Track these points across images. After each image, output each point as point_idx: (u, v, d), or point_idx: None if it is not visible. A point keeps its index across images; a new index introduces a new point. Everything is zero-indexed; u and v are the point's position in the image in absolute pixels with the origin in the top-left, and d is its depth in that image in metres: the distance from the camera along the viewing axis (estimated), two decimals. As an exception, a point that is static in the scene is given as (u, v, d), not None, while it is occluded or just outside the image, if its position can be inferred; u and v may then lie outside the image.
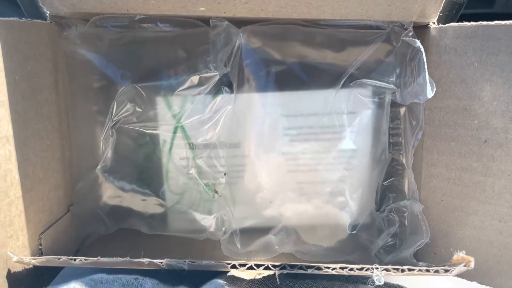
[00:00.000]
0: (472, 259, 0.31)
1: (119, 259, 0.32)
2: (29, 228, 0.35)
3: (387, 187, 0.43)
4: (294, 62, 0.41)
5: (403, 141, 0.42)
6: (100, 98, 0.42)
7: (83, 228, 0.43)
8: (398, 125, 0.42)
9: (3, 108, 0.31)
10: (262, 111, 0.42)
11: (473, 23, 0.35)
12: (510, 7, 0.70)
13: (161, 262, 0.32)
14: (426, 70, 0.36)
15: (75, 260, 0.32)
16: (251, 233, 0.43)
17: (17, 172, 0.33)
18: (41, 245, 0.36)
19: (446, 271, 0.31)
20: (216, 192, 0.43)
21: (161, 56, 0.41)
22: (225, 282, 0.35)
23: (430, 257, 0.40)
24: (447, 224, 0.39)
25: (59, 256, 0.32)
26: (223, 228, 0.42)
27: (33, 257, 0.32)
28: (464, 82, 0.36)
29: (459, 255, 0.31)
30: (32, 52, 0.35)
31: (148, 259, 0.32)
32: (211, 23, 0.39)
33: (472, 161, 0.37)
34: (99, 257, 0.32)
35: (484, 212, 0.36)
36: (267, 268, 0.32)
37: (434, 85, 0.36)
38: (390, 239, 0.42)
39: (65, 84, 0.40)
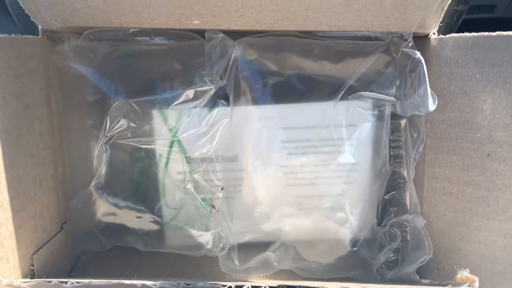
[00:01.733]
0: (476, 279, 0.29)
1: (111, 281, 0.31)
2: (20, 249, 0.34)
3: (388, 201, 0.42)
4: (291, 74, 0.41)
5: (404, 153, 0.41)
6: (93, 113, 0.41)
7: (77, 246, 0.42)
8: (399, 138, 0.41)
9: (-9, 127, 0.30)
10: (259, 124, 0.41)
11: (474, 34, 0.34)
12: (511, 12, 0.69)
13: (155, 285, 0.31)
14: (428, 82, 0.35)
15: (66, 283, 0.31)
16: (249, 249, 0.42)
17: (7, 192, 0.32)
18: (33, 266, 0.35)
19: None
20: (213, 207, 0.42)
21: (156, 70, 0.40)
22: None
23: (433, 273, 0.39)
24: (450, 239, 0.38)
25: (50, 279, 0.31)
26: (221, 245, 0.41)
27: (23, 280, 0.31)
28: (466, 94, 0.35)
29: (463, 273, 0.30)
30: (23, 68, 0.34)
31: (141, 282, 0.31)
32: (206, 36, 0.38)
33: (475, 175, 0.36)
34: (90, 280, 0.31)
35: (488, 227, 0.35)
36: None
37: (436, 97, 0.35)
38: (392, 255, 0.40)
39: (58, 99, 0.39)
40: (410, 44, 0.37)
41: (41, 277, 0.36)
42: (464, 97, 0.35)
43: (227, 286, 0.31)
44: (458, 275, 0.30)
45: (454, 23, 0.41)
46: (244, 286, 0.31)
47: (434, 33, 0.37)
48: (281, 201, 0.42)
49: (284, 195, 0.42)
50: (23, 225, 0.34)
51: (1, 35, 0.32)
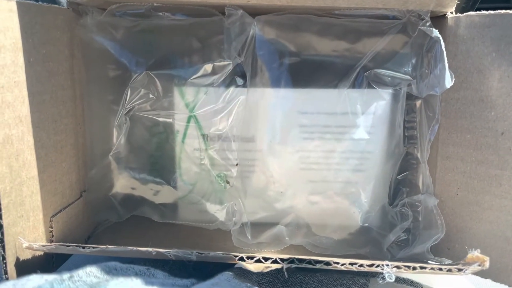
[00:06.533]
0: (487, 258, 0.29)
1: (127, 248, 0.32)
2: (40, 209, 0.35)
3: (401, 181, 0.42)
4: (308, 54, 0.41)
5: (418, 134, 0.41)
6: (115, 86, 0.42)
7: (96, 215, 0.43)
8: (413, 118, 0.41)
9: (17, 89, 0.32)
10: (275, 105, 0.41)
11: (492, 12, 0.34)
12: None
13: (169, 252, 0.31)
14: (445, 58, 0.35)
15: (83, 248, 0.32)
16: (262, 224, 0.42)
17: (29, 153, 0.33)
18: (52, 227, 0.36)
19: (460, 270, 0.30)
20: (228, 182, 0.43)
21: (176, 45, 0.41)
22: (232, 274, 0.34)
23: (444, 253, 0.39)
24: (462, 219, 0.38)
25: (68, 244, 0.32)
26: (234, 218, 0.42)
27: (42, 244, 0.33)
28: (481, 72, 0.35)
29: (474, 253, 0.30)
30: (48, 36, 0.35)
31: (156, 249, 0.31)
32: (226, 12, 0.39)
33: (488, 154, 0.36)
34: (107, 246, 0.32)
35: (500, 207, 0.35)
36: (275, 261, 0.31)
37: (453, 75, 0.35)
38: (402, 234, 0.41)
39: (81, 70, 0.40)
40: (428, 23, 0.37)
41: (60, 241, 0.37)
42: (480, 75, 0.35)
43: (239, 256, 0.31)
44: (469, 255, 0.30)
45: (470, 7, 0.41)
46: (256, 257, 0.31)
47: (451, 12, 0.37)
48: (295, 180, 0.43)
49: (298, 174, 0.43)
50: (44, 187, 0.35)
51: (29, 1, 0.33)
